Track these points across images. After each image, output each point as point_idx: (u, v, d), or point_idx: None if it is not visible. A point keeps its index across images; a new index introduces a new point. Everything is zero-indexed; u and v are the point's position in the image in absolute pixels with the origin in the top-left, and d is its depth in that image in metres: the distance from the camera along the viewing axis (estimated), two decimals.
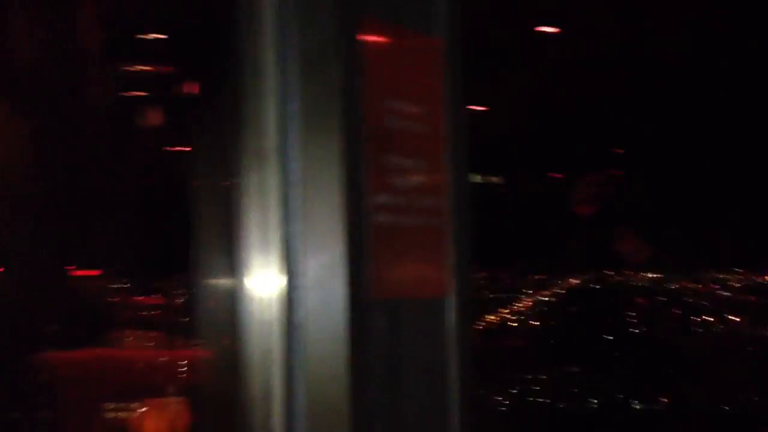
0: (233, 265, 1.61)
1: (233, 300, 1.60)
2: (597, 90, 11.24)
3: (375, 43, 1.63)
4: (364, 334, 1.55)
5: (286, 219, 1.55)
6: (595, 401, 9.43)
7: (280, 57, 1.57)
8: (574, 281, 14.67)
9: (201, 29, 1.87)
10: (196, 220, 1.67)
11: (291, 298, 1.54)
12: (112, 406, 5.47)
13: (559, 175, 14.31)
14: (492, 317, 13.03)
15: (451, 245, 1.75)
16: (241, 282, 1.58)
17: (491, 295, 13.95)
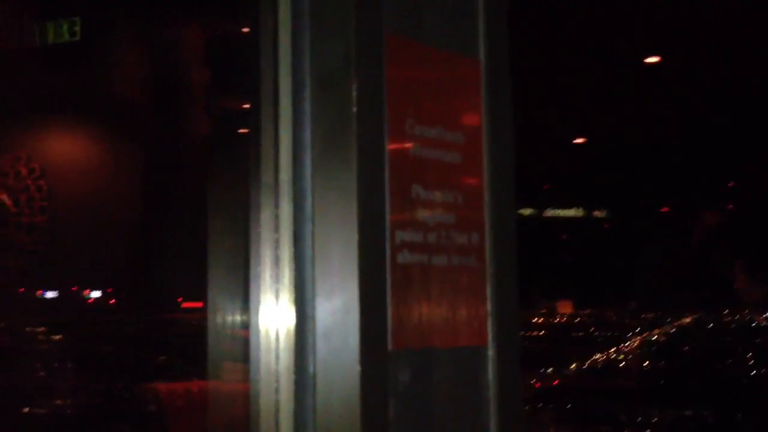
0: (245, 307, 1.47)
1: (242, 346, 1.45)
2: (705, 120, 10.81)
3: (400, 63, 1.46)
4: (382, 387, 1.37)
5: (298, 258, 1.40)
6: None
7: (294, 80, 1.43)
8: (686, 320, 14.10)
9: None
10: (210, 258, 1.53)
11: (302, 346, 1.38)
12: None
13: (666, 209, 13.82)
14: (599, 356, 12.61)
15: (491, 288, 1.55)
16: (251, 327, 1.44)
17: (597, 333, 13.51)
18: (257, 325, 1.43)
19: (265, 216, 1.45)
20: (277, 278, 1.42)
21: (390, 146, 1.43)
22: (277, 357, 1.40)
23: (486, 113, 1.59)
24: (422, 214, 1.47)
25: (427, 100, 1.51)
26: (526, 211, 14.68)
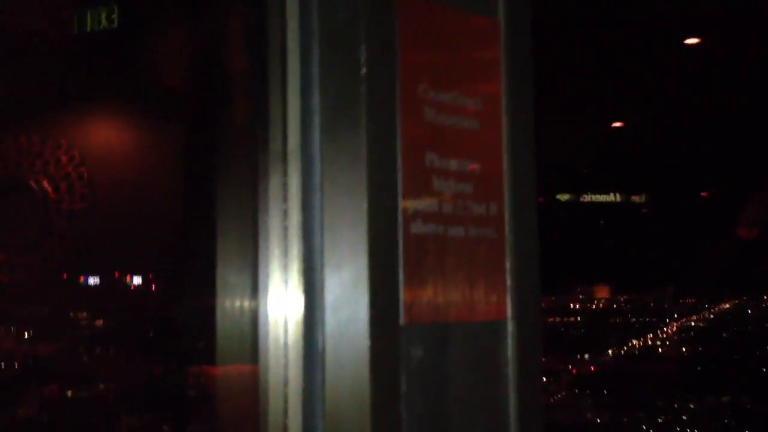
0: (252, 281, 1.41)
1: (249, 320, 1.40)
2: (746, 103, 10.59)
3: (413, 23, 1.39)
4: (393, 362, 1.31)
5: (307, 229, 1.34)
6: None
7: (303, 41, 1.36)
8: (725, 306, 13.93)
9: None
10: (218, 228, 1.48)
11: (310, 319, 1.32)
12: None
13: (705, 194, 13.59)
14: (636, 341, 12.52)
15: (511, 260, 1.48)
16: (258, 300, 1.38)
17: (634, 319, 13.39)
18: (265, 297, 1.38)
19: (274, 185, 1.39)
20: (285, 250, 1.36)
21: (402, 111, 1.36)
22: (286, 331, 1.35)
23: (506, 77, 1.51)
24: (437, 183, 1.40)
25: (442, 62, 1.44)
26: (564, 197, 14.53)
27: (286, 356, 1.34)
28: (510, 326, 1.47)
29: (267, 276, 1.38)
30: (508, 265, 1.48)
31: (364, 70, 1.30)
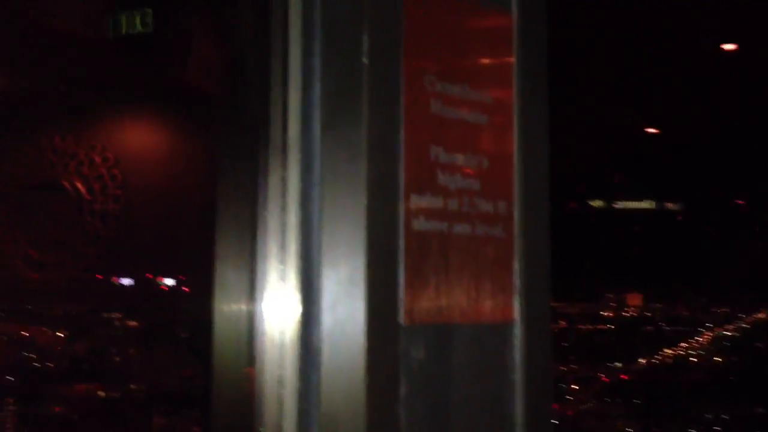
0: (248, 278, 1.37)
1: (244, 319, 1.36)
2: None
3: (419, 12, 1.34)
4: (392, 363, 1.26)
5: (305, 224, 1.30)
6: None
7: (305, 31, 1.32)
8: (760, 315, 13.72)
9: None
10: (217, 223, 1.43)
11: (307, 317, 1.28)
12: None
13: (741, 202, 13.39)
14: (669, 350, 12.36)
15: (520, 260, 1.43)
16: (253, 298, 1.34)
17: (667, 328, 13.22)
18: (262, 295, 1.33)
19: (273, 179, 1.34)
20: (282, 246, 1.32)
21: (406, 103, 1.31)
22: (282, 330, 1.30)
23: (518, 72, 1.46)
24: (442, 178, 1.35)
25: (449, 54, 1.38)
26: (596, 203, 14.40)
27: (282, 356, 1.29)
28: (518, 329, 1.41)
29: (265, 273, 1.34)
30: (516, 266, 1.43)
31: (366, 60, 1.25)
